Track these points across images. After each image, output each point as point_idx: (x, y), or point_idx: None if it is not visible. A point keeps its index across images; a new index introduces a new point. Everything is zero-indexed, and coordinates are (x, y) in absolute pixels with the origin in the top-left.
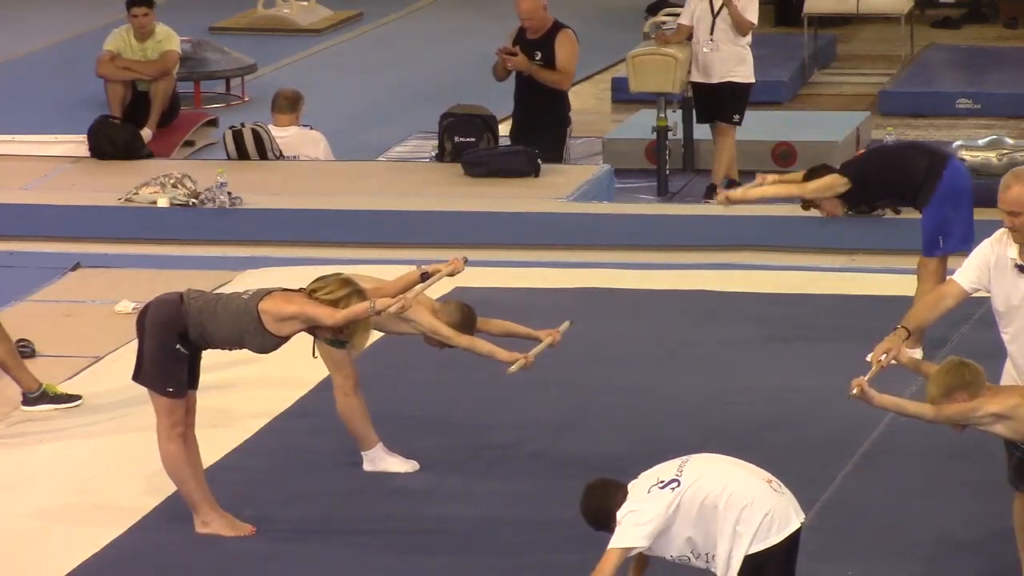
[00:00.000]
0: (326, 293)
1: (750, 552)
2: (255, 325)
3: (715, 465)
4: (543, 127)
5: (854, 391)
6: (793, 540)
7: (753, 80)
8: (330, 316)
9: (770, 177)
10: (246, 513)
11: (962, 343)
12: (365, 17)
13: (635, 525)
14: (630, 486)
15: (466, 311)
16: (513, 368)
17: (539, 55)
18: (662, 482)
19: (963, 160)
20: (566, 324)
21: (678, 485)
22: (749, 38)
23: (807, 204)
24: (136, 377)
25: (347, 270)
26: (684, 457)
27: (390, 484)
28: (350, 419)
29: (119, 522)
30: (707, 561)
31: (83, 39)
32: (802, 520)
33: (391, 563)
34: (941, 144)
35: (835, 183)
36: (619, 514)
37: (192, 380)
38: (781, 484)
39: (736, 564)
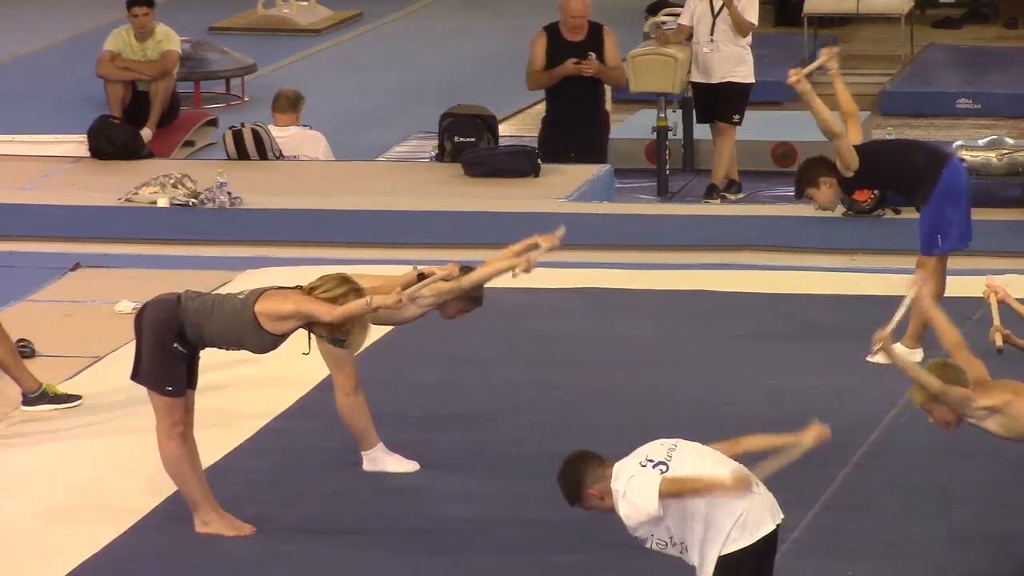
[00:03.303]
0: (324, 291)
1: (723, 553)
2: (252, 324)
3: (699, 459)
4: (589, 128)
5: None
6: (768, 541)
7: (753, 80)
8: (327, 313)
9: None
10: (246, 513)
11: None
12: (365, 17)
13: (645, 487)
14: (617, 465)
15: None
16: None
17: (593, 55)
18: (652, 461)
19: (963, 160)
20: (561, 230)
21: (667, 470)
22: (749, 38)
23: (800, 193)
24: (135, 377)
25: (347, 270)
26: (672, 441)
27: (390, 484)
28: (350, 418)
29: (119, 522)
30: (681, 552)
31: (83, 39)
32: (778, 522)
33: (391, 563)
34: (941, 144)
35: (852, 159)
36: (616, 485)
37: (191, 380)
38: (760, 483)
39: (710, 565)
